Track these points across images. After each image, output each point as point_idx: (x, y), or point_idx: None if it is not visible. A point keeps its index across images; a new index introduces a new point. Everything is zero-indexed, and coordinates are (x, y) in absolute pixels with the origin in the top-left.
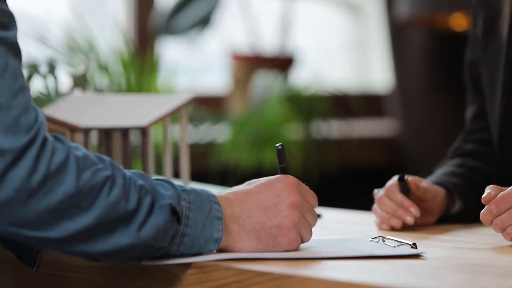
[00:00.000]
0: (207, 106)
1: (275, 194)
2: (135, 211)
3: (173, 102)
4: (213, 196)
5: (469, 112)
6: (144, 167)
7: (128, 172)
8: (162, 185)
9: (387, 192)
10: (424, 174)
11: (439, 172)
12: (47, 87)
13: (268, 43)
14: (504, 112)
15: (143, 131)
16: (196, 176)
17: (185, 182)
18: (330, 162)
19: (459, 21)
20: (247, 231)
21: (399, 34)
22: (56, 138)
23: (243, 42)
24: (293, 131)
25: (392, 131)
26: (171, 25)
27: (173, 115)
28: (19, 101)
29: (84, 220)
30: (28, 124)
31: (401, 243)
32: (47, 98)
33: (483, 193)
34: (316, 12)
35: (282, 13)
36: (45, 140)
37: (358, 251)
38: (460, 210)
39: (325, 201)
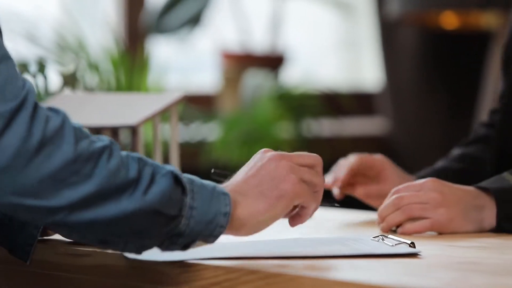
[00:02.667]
0: (197, 105)
1: (256, 159)
2: (137, 179)
3: (163, 101)
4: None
5: (500, 89)
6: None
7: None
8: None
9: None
10: (415, 172)
11: (433, 167)
12: (37, 86)
13: (259, 41)
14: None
15: (133, 130)
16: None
17: None
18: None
19: (449, 20)
20: (252, 195)
21: (390, 33)
22: (50, 109)
23: (233, 41)
24: (284, 130)
25: (383, 129)
26: (161, 24)
27: (163, 114)
28: (2, 70)
29: (86, 188)
30: (15, 91)
31: (399, 242)
32: (37, 97)
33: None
34: (306, 10)
35: (272, 12)
36: (36, 106)
37: (356, 250)
38: None
39: None
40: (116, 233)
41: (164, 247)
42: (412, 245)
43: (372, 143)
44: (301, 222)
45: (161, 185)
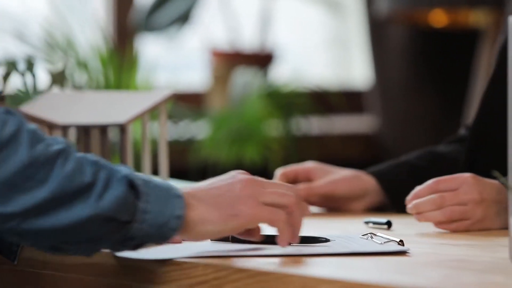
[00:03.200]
0: (186, 103)
1: (228, 176)
2: (92, 184)
3: (152, 99)
4: (167, 181)
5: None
6: (123, 164)
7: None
8: (116, 165)
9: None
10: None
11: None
12: (25, 85)
13: (248, 39)
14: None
15: (122, 128)
16: (176, 173)
17: (164, 179)
18: (311, 159)
19: (439, 17)
20: (207, 203)
21: (379, 31)
22: (7, 111)
23: (222, 39)
24: (273, 128)
25: (372, 127)
26: (150, 22)
27: (152, 112)
28: None
29: (40, 194)
30: None
31: (389, 240)
32: (25, 96)
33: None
34: (296, 8)
35: (262, 10)
36: None
37: (345, 248)
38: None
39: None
40: (68, 240)
41: (115, 249)
42: (401, 243)
43: (361, 141)
44: (287, 240)
45: (116, 190)
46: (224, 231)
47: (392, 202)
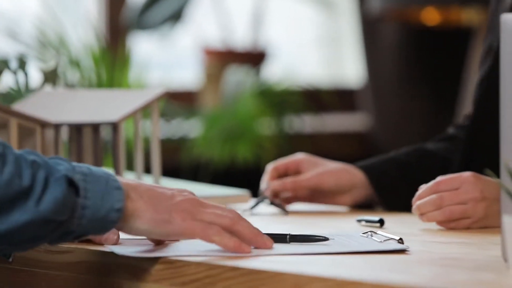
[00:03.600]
0: (179, 101)
1: (174, 188)
2: (30, 187)
3: (144, 97)
4: (107, 171)
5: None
6: (115, 163)
7: (17, 151)
8: (54, 160)
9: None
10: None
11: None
12: (17, 83)
13: (241, 37)
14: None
15: (114, 126)
16: (168, 171)
17: (156, 178)
18: None
19: (431, 15)
20: (145, 200)
21: (371, 29)
22: None
23: (215, 37)
24: (266, 126)
25: (364, 125)
26: (142, 20)
27: (145, 110)
28: None
29: None
30: None
31: (388, 238)
32: (17, 94)
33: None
34: (288, 6)
35: (254, 8)
36: None
37: (345, 247)
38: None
39: None
40: (7, 243)
41: (54, 243)
42: (401, 241)
43: (353, 139)
44: (234, 250)
45: (55, 191)
46: (153, 233)
47: (379, 197)
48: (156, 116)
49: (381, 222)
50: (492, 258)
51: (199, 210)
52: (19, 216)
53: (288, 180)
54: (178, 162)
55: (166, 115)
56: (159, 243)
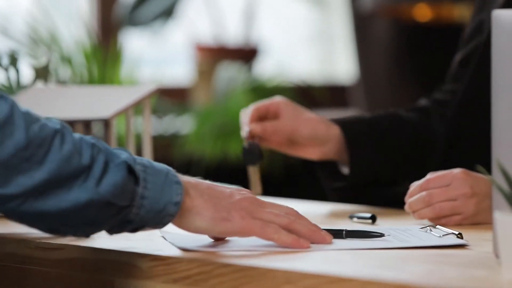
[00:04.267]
0: (171, 98)
1: (232, 187)
2: (90, 167)
3: (136, 94)
4: (167, 166)
5: (456, 60)
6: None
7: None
8: (115, 149)
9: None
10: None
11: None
12: (9, 79)
13: (232, 34)
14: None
15: (106, 123)
16: None
17: None
18: None
19: (423, 12)
20: (205, 198)
21: (363, 25)
22: None
23: (207, 33)
24: None
25: None
26: (134, 16)
27: (137, 107)
28: None
29: (38, 175)
30: None
31: (447, 233)
32: (9, 90)
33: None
34: (280, 3)
35: (246, 4)
36: None
37: (404, 242)
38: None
39: (291, 193)
40: (67, 223)
41: (113, 232)
42: (460, 236)
43: None
44: (293, 247)
45: (115, 176)
46: (212, 231)
47: (349, 151)
48: (148, 112)
49: (373, 218)
50: (485, 254)
51: (257, 209)
52: (79, 194)
53: (268, 124)
54: (170, 159)
55: (158, 111)
56: (218, 240)
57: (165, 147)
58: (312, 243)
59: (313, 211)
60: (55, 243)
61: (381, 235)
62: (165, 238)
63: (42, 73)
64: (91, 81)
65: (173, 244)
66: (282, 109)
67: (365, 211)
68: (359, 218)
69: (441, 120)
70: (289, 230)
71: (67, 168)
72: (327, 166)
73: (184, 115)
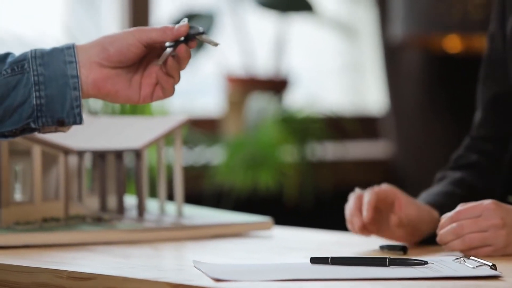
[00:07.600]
0: (201, 128)
1: None
2: None
3: (167, 124)
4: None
5: (477, 116)
6: (138, 190)
7: None
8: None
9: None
10: (418, 196)
11: (436, 190)
12: None
13: (263, 65)
14: None
15: (137, 153)
16: (191, 198)
17: (179, 205)
18: (326, 184)
19: (453, 43)
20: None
21: (393, 56)
22: None
23: (237, 64)
24: (288, 153)
25: (387, 153)
26: None
27: (168, 137)
28: None
29: None
30: None
31: (481, 264)
32: None
33: None
34: (310, 34)
35: (276, 35)
36: None
37: (438, 272)
38: None
39: (320, 223)
40: None
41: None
42: (494, 267)
43: (376, 167)
44: None
45: None
46: None
47: None
48: (179, 143)
49: (405, 249)
50: None
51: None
52: None
53: (394, 218)
54: (201, 189)
55: (189, 142)
56: None
57: (196, 177)
58: None
59: (344, 241)
60: (85, 273)
61: (425, 262)
62: (197, 268)
63: None
64: (122, 111)
65: (205, 274)
66: (402, 202)
67: (395, 242)
68: (390, 248)
69: (496, 177)
70: None
71: None
72: None
73: (215, 145)
